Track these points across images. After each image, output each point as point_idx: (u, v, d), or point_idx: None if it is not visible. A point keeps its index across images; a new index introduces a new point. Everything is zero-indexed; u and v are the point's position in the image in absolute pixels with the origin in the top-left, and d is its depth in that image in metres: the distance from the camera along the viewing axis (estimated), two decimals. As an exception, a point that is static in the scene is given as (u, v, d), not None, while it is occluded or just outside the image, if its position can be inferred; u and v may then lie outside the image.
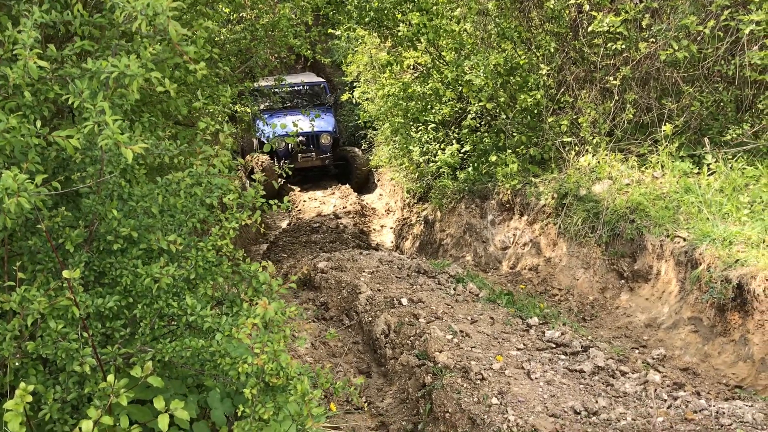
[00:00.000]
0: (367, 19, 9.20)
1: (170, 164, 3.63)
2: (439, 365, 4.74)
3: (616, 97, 7.80)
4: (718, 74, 7.35)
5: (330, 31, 10.69)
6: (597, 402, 4.34)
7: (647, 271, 6.47)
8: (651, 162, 7.31)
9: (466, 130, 9.63)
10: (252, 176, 13.20)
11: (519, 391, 4.40)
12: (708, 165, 6.80)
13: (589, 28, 7.70)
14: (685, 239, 6.06)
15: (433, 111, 10.23)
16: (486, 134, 9.44)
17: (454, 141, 9.97)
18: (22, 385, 2.19)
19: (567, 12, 8.41)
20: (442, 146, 10.14)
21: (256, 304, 2.53)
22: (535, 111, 8.67)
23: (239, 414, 2.48)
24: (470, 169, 9.55)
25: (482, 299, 6.36)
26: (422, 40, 9.32)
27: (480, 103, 8.99)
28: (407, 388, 4.89)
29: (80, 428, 2.23)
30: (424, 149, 10.57)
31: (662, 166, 7.15)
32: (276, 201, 3.21)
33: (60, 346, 2.43)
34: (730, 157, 6.79)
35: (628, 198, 6.90)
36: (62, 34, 3.03)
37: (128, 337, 2.68)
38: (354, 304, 6.19)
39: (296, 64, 16.01)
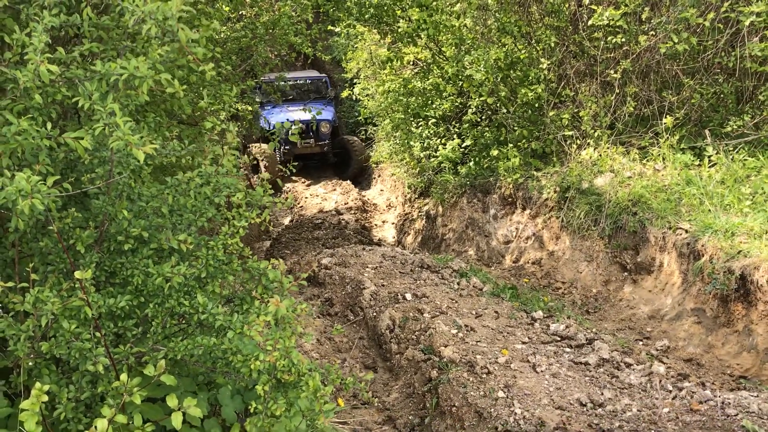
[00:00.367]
0: (366, 16, 9.21)
1: (176, 164, 3.66)
2: (445, 359, 4.77)
3: (617, 91, 7.81)
4: (718, 66, 7.37)
5: (330, 28, 10.71)
6: (602, 394, 4.37)
7: (650, 264, 6.50)
8: (652, 154, 7.33)
9: (467, 124, 9.64)
10: (255, 164, 13.45)
11: (525, 384, 4.43)
12: (709, 157, 6.82)
13: (589, 22, 7.71)
14: (687, 231, 6.09)
15: (434, 106, 10.23)
16: (487, 129, 9.46)
17: (455, 136, 9.98)
18: (38, 385, 2.21)
19: (567, 6, 8.41)
20: (443, 141, 10.15)
21: (267, 301, 2.55)
22: (536, 105, 8.68)
23: (251, 410, 2.50)
24: (471, 163, 9.57)
25: (486, 293, 6.39)
26: (422, 36, 9.33)
27: (481, 98, 9.01)
28: (413, 382, 4.93)
29: (95, 427, 2.26)
30: (425, 144, 10.59)
31: (663, 159, 7.18)
32: (280, 198, 3.24)
33: (73, 346, 2.46)
34: (731, 148, 6.81)
35: (630, 191, 6.92)
36: (68, 36, 3.05)
37: (140, 336, 2.70)
38: (358, 299, 6.22)
39: (296, 62, 16.09)
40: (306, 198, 13.99)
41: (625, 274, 6.80)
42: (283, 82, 9.34)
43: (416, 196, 11.81)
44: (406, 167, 11.66)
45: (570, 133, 8.18)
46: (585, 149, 7.93)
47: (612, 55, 7.89)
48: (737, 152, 6.72)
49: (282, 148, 13.96)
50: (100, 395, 2.60)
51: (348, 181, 14.69)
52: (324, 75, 15.92)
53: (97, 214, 2.73)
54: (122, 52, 2.68)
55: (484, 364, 4.64)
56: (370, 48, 12.14)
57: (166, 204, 2.80)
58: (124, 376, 2.42)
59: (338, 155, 15.26)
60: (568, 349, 5.19)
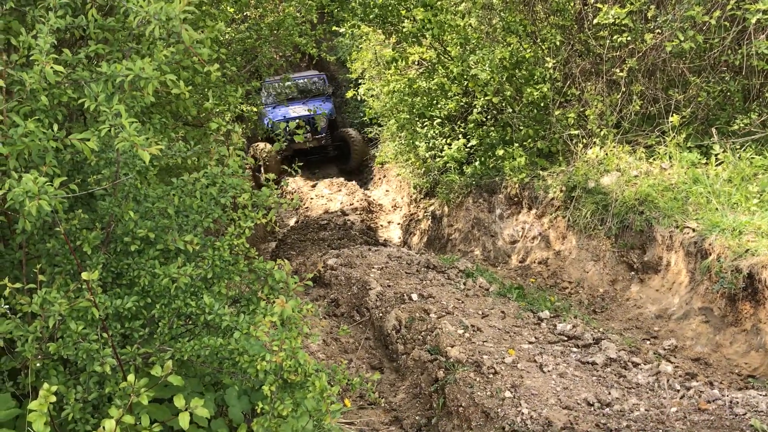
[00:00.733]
0: (371, 16, 9.21)
1: (181, 165, 3.67)
2: (451, 360, 4.76)
3: (623, 89, 7.79)
4: (724, 64, 7.33)
5: (334, 28, 10.71)
6: (610, 393, 4.36)
7: (657, 263, 6.47)
8: (659, 153, 7.30)
9: (473, 124, 9.63)
10: (257, 163, 13.71)
11: (532, 384, 4.42)
12: (716, 155, 6.79)
13: (595, 21, 7.69)
14: (694, 230, 6.06)
15: (439, 106, 10.22)
16: (492, 128, 9.44)
17: (460, 135, 9.97)
18: (46, 385, 2.21)
19: (572, 4, 8.39)
20: (449, 141, 10.14)
21: (273, 302, 2.55)
22: (542, 104, 8.66)
23: (258, 411, 2.50)
24: (477, 163, 9.56)
25: (492, 293, 6.38)
26: (427, 36, 9.32)
27: (486, 98, 8.99)
28: (420, 382, 4.92)
29: (103, 427, 2.26)
30: (431, 144, 10.58)
31: (670, 157, 7.15)
32: (285, 199, 3.24)
33: (80, 347, 2.46)
34: (738, 146, 6.78)
35: (637, 190, 6.90)
36: (73, 38, 3.06)
37: (147, 336, 2.71)
38: (364, 300, 6.22)
39: (301, 62, 16.26)
40: (311, 199, 14.01)
41: (632, 273, 6.78)
42: (288, 83, 9.41)
43: (422, 196, 11.80)
44: (411, 167, 11.66)
45: (576, 132, 8.15)
46: (591, 148, 7.91)
47: (618, 53, 7.86)
48: (744, 150, 6.69)
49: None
50: (107, 396, 2.60)
51: (353, 182, 14.72)
52: (322, 73, 16.48)
53: (103, 215, 2.74)
54: (128, 53, 2.68)
55: (491, 364, 4.63)
56: (374, 48, 12.14)
57: (172, 205, 2.80)
58: (131, 377, 2.43)
59: (338, 149, 15.74)
60: (575, 349, 5.17)
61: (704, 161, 6.90)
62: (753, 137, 6.79)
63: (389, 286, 6.36)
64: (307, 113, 14.23)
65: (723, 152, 6.74)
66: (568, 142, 8.23)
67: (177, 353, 2.61)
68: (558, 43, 8.45)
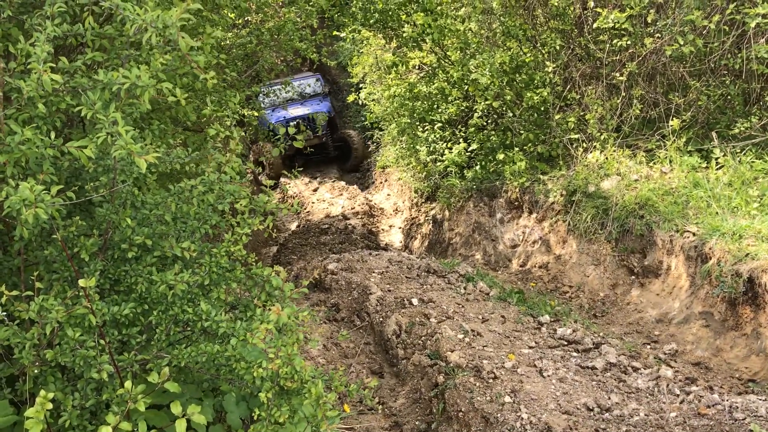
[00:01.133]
0: (371, 21, 9.24)
1: (180, 170, 3.68)
2: (451, 365, 4.76)
3: (623, 93, 7.79)
4: (724, 68, 7.33)
5: (335, 33, 10.74)
6: (609, 398, 4.35)
7: (657, 267, 6.47)
8: (659, 157, 7.30)
9: (473, 128, 9.64)
10: (260, 162, 13.91)
11: (532, 389, 4.42)
12: (716, 159, 6.79)
13: (594, 25, 7.70)
14: (694, 234, 6.06)
15: (440, 110, 10.24)
16: (493, 132, 9.45)
17: (461, 140, 9.98)
18: (42, 392, 2.22)
19: (572, 9, 8.40)
20: (449, 145, 10.15)
21: (270, 309, 2.56)
22: (542, 108, 8.66)
23: (255, 417, 2.51)
24: (478, 167, 9.56)
25: (493, 298, 6.38)
26: (427, 40, 9.34)
27: (486, 102, 9.00)
28: (420, 387, 4.92)
29: (100, 434, 2.27)
30: (431, 149, 10.59)
31: (670, 161, 7.15)
32: (286, 204, 3.24)
33: (78, 353, 2.47)
34: (739, 150, 6.78)
35: (637, 194, 6.89)
36: (71, 45, 3.07)
37: (144, 343, 2.71)
38: (365, 304, 6.22)
39: (302, 67, 16.40)
40: (313, 203, 14.02)
41: (633, 277, 6.77)
42: (288, 88, 9.45)
43: (423, 200, 11.80)
44: (412, 171, 11.67)
45: (576, 136, 8.15)
46: (591, 152, 7.91)
47: (618, 57, 7.87)
48: (744, 154, 6.68)
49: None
50: (104, 402, 2.61)
51: (355, 186, 14.76)
52: (317, 74, 16.84)
53: (101, 222, 2.74)
54: (125, 60, 2.69)
55: (491, 369, 4.63)
56: (375, 53, 12.16)
57: (170, 212, 2.81)
58: (128, 384, 2.43)
59: (338, 149, 16.22)
60: (575, 354, 5.17)
61: (704, 165, 6.89)
62: (753, 141, 6.79)
63: (390, 290, 6.36)
64: (305, 113, 14.72)
65: (723, 156, 6.74)
66: (569, 146, 8.23)
67: (174, 360, 2.61)
68: (558, 48, 8.46)
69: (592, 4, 7.82)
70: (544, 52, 8.80)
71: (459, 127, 10.23)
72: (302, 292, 2.96)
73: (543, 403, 4.26)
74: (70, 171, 2.80)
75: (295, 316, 2.49)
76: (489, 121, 9.75)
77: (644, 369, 4.95)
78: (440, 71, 9.93)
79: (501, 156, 8.86)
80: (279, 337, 2.49)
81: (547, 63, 8.56)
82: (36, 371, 2.57)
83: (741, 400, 4.36)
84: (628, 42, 7.54)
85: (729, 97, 7.39)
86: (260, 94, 10.66)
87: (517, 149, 8.73)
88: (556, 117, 8.38)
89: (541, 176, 8.32)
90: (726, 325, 5.57)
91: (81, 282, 2.40)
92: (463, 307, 6.01)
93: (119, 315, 2.58)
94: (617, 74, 7.76)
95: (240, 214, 3.05)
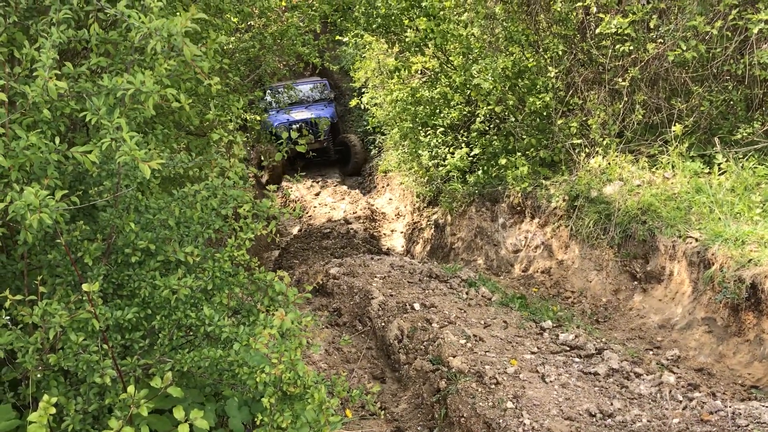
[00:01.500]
0: (374, 26, 9.25)
1: (183, 174, 3.68)
2: (453, 370, 4.76)
3: (625, 98, 7.80)
4: (727, 74, 7.34)
5: (338, 37, 10.76)
6: (612, 404, 4.35)
7: (660, 272, 6.46)
8: (661, 162, 7.30)
9: (475, 133, 9.65)
10: (262, 165, 14.08)
11: (534, 395, 4.41)
12: (719, 164, 6.78)
13: (597, 30, 7.71)
14: (697, 239, 6.05)
15: (442, 115, 10.25)
16: (495, 137, 9.45)
17: (463, 144, 9.98)
18: (46, 397, 2.22)
19: (574, 14, 8.41)
20: (452, 150, 10.16)
21: (273, 313, 2.56)
22: (544, 113, 8.67)
23: (257, 422, 2.51)
24: (480, 172, 9.57)
25: (495, 303, 6.37)
26: (430, 45, 9.35)
27: (489, 107, 9.01)
28: (422, 393, 4.91)
29: (103, 439, 2.27)
30: (433, 153, 10.60)
31: (673, 167, 7.15)
32: (288, 208, 3.25)
33: (81, 358, 2.47)
34: (741, 156, 6.78)
35: (640, 199, 6.89)
36: (76, 49, 3.09)
37: (147, 348, 2.71)
38: (367, 309, 6.22)
39: (305, 71, 16.49)
40: (315, 207, 14.04)
41: (635, 283, 6.76)
42: (292, 92, 9.49)
43: (425, 204, 11.81)
44: (414, 176, 11.67)
45: (578, 141, 8.16)
46: (593, 157, 7.91)
47: (620, 63, 7.88)
48: (747, 160, 6.68)
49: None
50: (107, 407, 2.61)
51: (357, 190, 14.78)
52: (324, 79, 17.00)
53: (104, 226, 2.75)
54: (129, 66, 2.70)
55: (493, 374, 4.62)
56: (378, 57, 12.18)
57: (173, 216, 2.81)
58: (131, 388, 2.43)
59: (339, 153, 16.44)
60: (577, 359, 5.16)
61: (707, 171, 6.89)
62: (756, 147, 6.79)
63: (391, 295, 6.36)
64: (309, 117, 14.87)
65: (726, 162, 6.74)
66: (571, 151, 8.23)
67: (177, 364, 2.61)
68: (560, 53, 8.47)
69: (594, 9, 7.83)
70: (546, 57, 8.81)
71: (461, 131, 10.24)
72: (305, 297, 2.96)
73: (545, 408, 4.26)
74: (74, 175, 2.81)
75: (298, 321, 2.49)
76: (491, 126, 9.76)
77: (647, 375, 4.94)
78: (443, 76, 9.94)
79: (503, 161, 8.86)
80: (282, 342, 2.49)
81: (550, 68, 8.57)
82: (39, 375, 2.58)
83: (744, 406, 4.35)
84: (631, 47, 7.55)
85: (731, 102, 7.40)
86: (265, 97, 10.72)
87: (519, 154, 8.74)
88: (559, 122, 8.38)
89: (544, 181, 8.32)
90: (729, 331, 5.56)
91: (84, 286, 2.40)
92: (465, 312, 6.00)
93: (122, 319, 2.58)
94: (620, 79, 7.77)
95: (243, 218, 3.06)
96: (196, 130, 5.68)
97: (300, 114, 15.00)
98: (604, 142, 7.86)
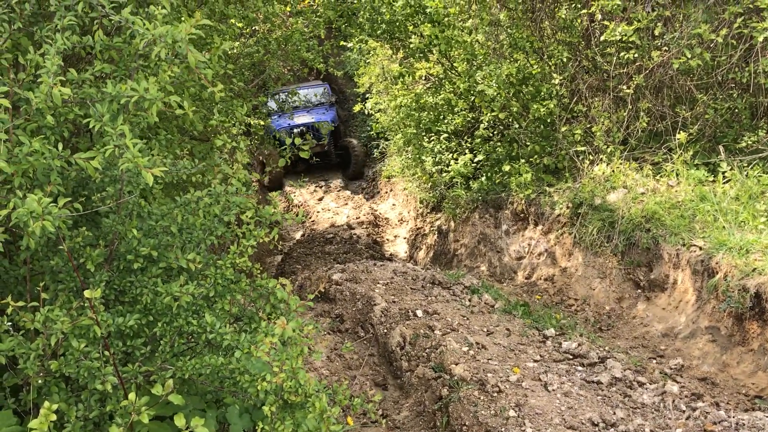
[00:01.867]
0: (379, 32, 9.26)
1: (186, 180, 3.68)
2: (456, 377, 4.74)
3: (630, 106, 7.78)
4: (732, 82, 7.32)
5: (342, 43, 10.77)
6: (615, 413, 4.32)
7: (664, 281, 6.44)
8: (666, 170, 7.28)
9: (479, 139, 9.64)
10: (264, 169, 14.17)
11: (536, 404, 4.39)
12: (723, 173, 6.76)
13: (602, 38, 7.70)
14: (701, 248, 6.03)
15: (446, 121, 10.25)
16: (499, 144, 9.45)
17: (467, 151, 9.98)
18: (47, 403, 2.22)
19: (579, 21, 8.41)
20: (455, 156, 10.15)
21: (274, 321, 2.55)
22: (549, 120, 8.66)
23: (258, 430, 2.50)
24: (483, 178, 9.56)
25: (498, 310, 6.36)
26: (434, 52, 9.36)
27: (493, 113, 9.01)
28: (423, 400, 4.89)
29: (103, 446, 2.26)
30: (437, 159, 10.59)
31: (677, 175, 7.13)
32: (291, 214, 3.24)
33: (82, 364, 2.46)
34: (746, 164, 6.76)
35: (644, 207, 6.87)
36: (80, 55, 3.09)
37: (149, 354, 2.71)
38: (369, 315, 6.20)
39: (309, 76, 16.57)
40: (318, 212, 14.03)
41: (639, 291, 6.74)
42: (295, 97, 9.51)
43: (428, 210, 11.79)
44: (418, 182, 11.67)
45: (582, 148, 8.15)
46: (598, 165, 7.90)
47: (625, 70, 7.87)
48: (752, 168, 6.66)
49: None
50: (108, 414, 2.60)
51: (360, 195, 14.79)
52: (326, 83, 17.07)
53: (107, 232, 2.75)
54: (133, 72, 2.70)
55: (495, 382, 4.61)
56: (382, 63, 12.20)
57: (176, 223, 2.81)
58: (132, 395, 2.43)
59: (340, 156, 16.60)
60: (580, 368, 5.14)
61: (711, 179, 6.87)
62: (761, 155, 6.77)
63: (394, 302, 6.34)
64: (310, 121, 15.00)
65: (730, 170, 6.72)
66: (575, 158, 8.22)
67: (178, 371, 2.61)
68: (565, 60, 8.47)
69: (599, 16, 7.83)
70: (551, 64, 8.81)
71: (465, 138, 10.23)
72: (307, 305, 2.95)
73: (548, 417, 4.24)
74: (77, 181, 2.80)
75: (300, 329, 2.49)
76: (495, 133, 9.75)
77: (650, 384, 4.92)
78: (447, 82, 9.95)
79: (507, 167, 8.85)
80: (283, 350, 2.48)
81: (554, 75, 8.56)
82: (40, 382, 2.57)
83: (747, 416, 4.32)
84: (636, 55, 7.54)
85: (736, 110, 7.38)
86: (269, 100, 10.77)
87: (523, 161, 8.73)
88: (563, 129, 8.37)
89: (547, 188, 8.31)
90: (732, 341, 5.54)
91: (86, 293, 2.40)
92: (467, 319, 5.98)
93: (124, 326, 2.58)
94: (624, 87, 7.76)
95: (245, 224, 3.05)
96: (199, 135, 5.68)
97: (301, 118, 15.09)
98: (608, 150, 7.85)
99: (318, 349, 4.94)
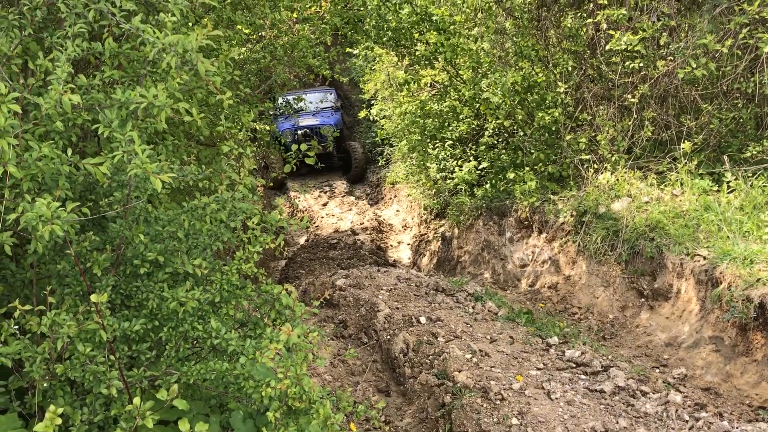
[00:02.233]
0: (385, 39, 9.30)
1: (193, 185, 3.71)
2: (459, 385, 4.74)
3: (635, 115, 7.79)
4: (737, 92, 7.33)
5: (348, 50, 10.81)
6: (618, 423, 4.32)
7: (667, 290, 6.43)
8: (670, 180, 7.28)
9: (484, 147, 9.66)
10: (267, 172, 14.27)
11: (539, 412, 4.39)
12: (728, 183, 6.76)
13: (607, 47, 7.72)
14: (705, 258, 6.02)
15: (451, 128, 10.27)
16: (504, 151, 9.46)
17: (471, 158, 10.00)
18: (52, 407, 2.23)
19: (584, 30, 8.43)
20: (460, 163, 10.17)
21: (279, 327, 2.57)
22: (553, 128, 8.68)
23: (262, 436, 2.51)
24: (488, 186, 9.57)
25: (501, 318, 6.36)
26: (440, 59, 9.39)
27: (497, 121, 9.03)
28: (426, 407, 4.90)
29: (108, 450, 2.27)
30: (442, 166, 10.61)
31: (681, 184, 7.13)
32: (295, 219, 3.26)
33: (88, 368, 2.48)
34: (750, 174, 6.75)
35: (648, 216, 6.87)
36: (89, 61, 3.11)
37: (154, 359, 2.72)
38: (372, 322, 6.21)
39: (314, 82, 16.66)
40: (322, 218, 14.06)
41: (642, 300, 6.73)
42: (301, 102, 9.59)
43: (432, 217, 11.80)
44: (422, 188, 11.69)
45: (587, 157, 8.15)
46: (602, 173, 7.90)
47: (630, 79, 7.88)
48: (756, 178, 6.66)
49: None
50: (113, 418, 2.62)
51: (364, 201, 14.81)
52: (331, 88, 17.25)
53: (114, 237, 2.76)
54: (142, 78, 2.73)
55: (498, 390, 4.61)
56: (387, 70, 12.24)
57: (183, 228, 2.83)
58: (137, 400, 2.44)
59: (342, 159, 16.76)
60: (583, 376, 5.14)
61: (716, 189, 6.87)
62: (765, 165, 6.76)
63: (397, 308, 6.35)
64: (314, 124, 15.21)
65: (735, 180, 6.71)
66: (579, 166, 8.23)
67: (183, 376, 2.62)
68: (570, 68, 8.49)
69: (605, 26, 7.85)
70: (556, 72, 8.83)
71: (470, 145, 10.25)
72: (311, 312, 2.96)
73: (550, 426, 4.23)
74: (84, 185, 2.83)
75: (304, 335, 2.50)
76: (500, 140, 9.77)
77: (653, 393, 4.91)
78: (452, 89, 9.97)
79: (511, 175, 8.86)
80: (288, 357, 2.49)
81: (559, 83, 8.58)
82: (45, 385, 2.59)
83: (751, 427, 4.32)
84: (641, 64, 7.55)
85: (741, 120, 7.38)
86: (275, 106, 10.84)
87: (527, 168, 8.73)
88: (567, 137, 8.38)
89: (552, 196, 8.31)
90: (736, 351, 5.52)
91: (93, 297, 2.42)
92: (471, 326, 5.99)
93: (130, 331, 2.60)
94: (629, 96, 7.76)
95: (251, 230, 3.07)
96: (206, 140, 5.71)
97: (306, 120, 15.23)
98: (613, 158, 7.86)
99: (321, 355, 4.95)
